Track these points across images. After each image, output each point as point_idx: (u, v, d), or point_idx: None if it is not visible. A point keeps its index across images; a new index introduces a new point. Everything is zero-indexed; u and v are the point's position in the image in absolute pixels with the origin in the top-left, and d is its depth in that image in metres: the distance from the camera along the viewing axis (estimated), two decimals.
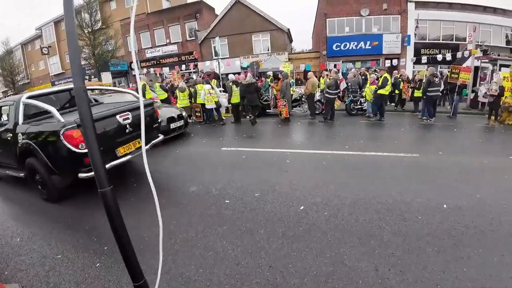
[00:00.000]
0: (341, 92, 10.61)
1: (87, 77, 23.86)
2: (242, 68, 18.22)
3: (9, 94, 32.53)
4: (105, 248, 2.84)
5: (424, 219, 3.12)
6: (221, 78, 13.91)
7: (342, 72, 16.17)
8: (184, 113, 8.30)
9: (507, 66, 11.67)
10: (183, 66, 20.76)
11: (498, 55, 15.91)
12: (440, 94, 10.18)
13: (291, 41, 24.99)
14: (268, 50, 20.65)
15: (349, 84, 11.13)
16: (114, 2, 24.77)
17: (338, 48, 19.38)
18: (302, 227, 3.03)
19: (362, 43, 19.04)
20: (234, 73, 11.75)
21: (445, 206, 3.41)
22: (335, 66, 17.33)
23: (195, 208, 3.58)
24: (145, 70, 21.68)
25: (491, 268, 2.36)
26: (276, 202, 3.62)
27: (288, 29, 21.17)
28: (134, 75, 23.18)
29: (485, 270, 2.34)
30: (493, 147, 6.71)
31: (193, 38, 22.31)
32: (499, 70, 12.12)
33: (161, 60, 23.44)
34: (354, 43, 19.15)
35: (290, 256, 2.57)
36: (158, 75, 19.02)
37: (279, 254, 2.60)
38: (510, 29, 19.06)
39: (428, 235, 2.85)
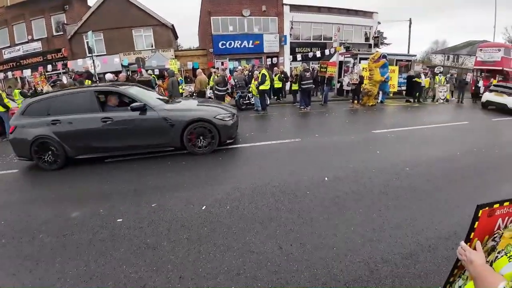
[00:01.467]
0: (229, 89, 11.00)
1: None
2: (123, 66, 16.43)
3: None
4: None
5: (312, 193, 3.62)
6: (97, 78, 12.13)
7: (229, 70, 16.73)
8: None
9: (366, 59, 14.63)
10: (49, 66, 16.98)
11: (359, 50, 19.63)
12: (313, 86, 11.91)
13: (176, 37, 24.12)
14: (152, 47, 19.32)
15: (236, 80, 11.68)
16: None
17: (224, 46, 20.02)
18: (206, 227, 3.00)
19: (245, 42, 20.29)
20: (112, 72, 10.46)
21: (326, 179, 4.04)
22: (222, 64, 17.81)
23: (82, 236, 3.01)
24: (1, 75, 16.81)
25: (373, 223, 2.94)
26: (176, 208, 3.44)
27: (173, 25, 20.32)
28: None
29: (368, 225, 2.90)
30: (358, 125, 8.39)
31: (61, 33, 18.60)
32: (359, 62, 15.05)
33: (21, 61, 18.79)
34: (238, 42, 20.19)
35: (199, 260, 2.51)
36: (18, 80, 15.04)
37: (187, 262, 2.50)
38: (368, 28, 23.62)
39: (317, 206, 3.31)
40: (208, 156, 5.40)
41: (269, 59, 17.90)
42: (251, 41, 20.35)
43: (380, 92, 12.70)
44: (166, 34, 19.77)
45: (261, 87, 10.19)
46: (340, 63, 15.57)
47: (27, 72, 15.85)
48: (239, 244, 2.69)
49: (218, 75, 9.99)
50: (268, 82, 10.37)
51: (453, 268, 1.16)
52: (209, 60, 19.59)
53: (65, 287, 2.30)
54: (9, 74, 16.90)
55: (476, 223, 1.01)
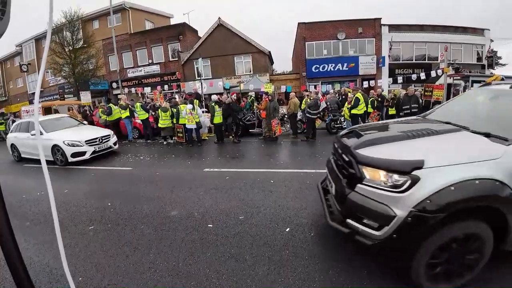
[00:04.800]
0: (321, 113, 10.86)
1: (57, 96, 23.40)
2: (224, 88, 18.39)
3: None
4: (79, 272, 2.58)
5: None
6: (203, 98, 13.92)
7: (321, 93, 16.70)
8: None
9: (479, 82, 12.57)
10: (166, 86, 20.68)
11: (470, 72, 16.88)
12: (417, 111, 10.67)
13: (272, 63, 25.72)
14: (250, 72, 21.10)
15: (328, 103, 11.46)
16: (97, 22, 24.74)
17: (317, 70, 20.18)
18: (288, 250, 2.92)
19: (339, 64, 19.94)
20: (216, 94, 11.84)
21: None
22: (315, 87, 17.87)
23: (176, 233, 3.39)
24: (126, 90, 21.40)
25: None
26: (261, 225, 3.50)
27: (269, 52, 21.84)
28: (115, 94, 22.81)
29: None
30: None
31: (176, 58, 22.48)
32: (471, 86, 12.88)
33: (143, 80, 23.27)
34: (332, 65, 20.02)
35: (277, 282, 2.44)
36: (139, 95, 18.81)
37: (265, 281, 2.47)
38: (480, 46, 20.39)
39: None
40: (293, 177, 5.39)
41: (366, 82, 17.08)
42: (345, 64, 19.92)
43: None
44: (263, 60, 21.35)
45: (353, 111, 9.73)
46: (448, 86, 13.62)
47: (147, 90, 19.50)
48: (321, 276, 2.50)
49: (311, 98, 10.04)
50: (361, 106, 9.82)
51: None
52: (301, 84, 20.00)
53: (154, 277, 2.58)
54: (132, 90, 21.20)
55: None
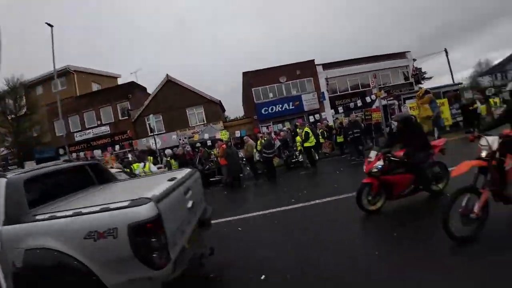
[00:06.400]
0: (276, 151, 11.30)
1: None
2: (179, 141, 18.28)
3: None
4: None
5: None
6: (157, 154, 13.58)
7: (274, 132, 17.50)
8: None
9: (411, 98, 14.77)
10: (117, 147, 19.83)
11: (400, 91, 19.40)
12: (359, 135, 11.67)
13: (223, 110, 26.61)
14: (203, 121, 21.50)
15: (279, 143, 12.08)
16: (41, 87, 23.73)
17: (267, 112, 21.56)
18: None
19: (286, 104, 21.72)
20: (171, 147, 11.68)
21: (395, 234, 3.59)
22: (267, 128, 18.76)
23: None
24: (74, 155, 19.94)
25: None
26: (233, 278, 3.31)
27: (220, 101, 22.74)
28: (64, 160, 20.97)
29: None
30: None
31: (126, 117, 22.03)
32: (404, 103, 14.94)
33: (92, 143, 22.15)
34: (279, 106, 21.68)
35: None
36: (89, 159, 17.65)
37: None
38: (405, 67, 23.66)
39: None
40: (260, 221, 5.33)
41: (311, 116, 18.54)
42: (291, 103, 21.72)
43: (436, 129, 11.88)
44: (215, 109, 22.09)
45: (306, 144, 10.36)
46: (385, 107, 15.38)
47: (97, 152, 18.46)
48: None
49: (265, 138, 10.48)
50: (312, 139, 10.52)
51: None
52: (254, 127, 20.87)
53: None
54: (81, 154, 19.95)
55: None
